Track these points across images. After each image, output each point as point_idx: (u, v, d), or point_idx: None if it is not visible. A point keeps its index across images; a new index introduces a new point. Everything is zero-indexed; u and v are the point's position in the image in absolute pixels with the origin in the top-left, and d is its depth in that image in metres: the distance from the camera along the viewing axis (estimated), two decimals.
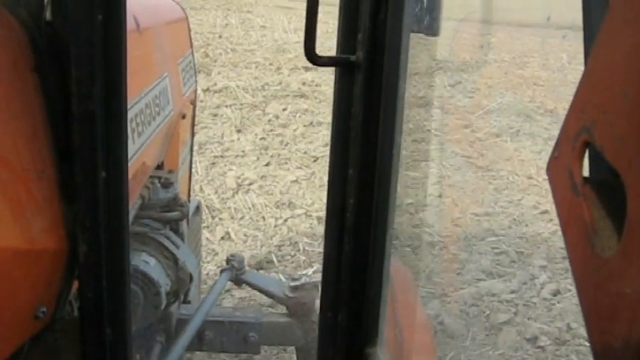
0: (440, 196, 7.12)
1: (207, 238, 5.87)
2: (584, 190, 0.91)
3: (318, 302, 2.82)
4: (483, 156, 8.41)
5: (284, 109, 9.97)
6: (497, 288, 5.29)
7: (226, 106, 9.96)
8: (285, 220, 6.41)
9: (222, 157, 7.90)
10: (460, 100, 11.02)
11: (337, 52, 1.60)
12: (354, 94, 1.59)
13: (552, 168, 1.00)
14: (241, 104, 10.15)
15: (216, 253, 5.66)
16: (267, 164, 7.76)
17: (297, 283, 2.97)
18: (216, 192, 6.84)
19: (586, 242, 0.87)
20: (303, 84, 11.56)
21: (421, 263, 5.67)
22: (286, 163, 7.86)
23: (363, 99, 1.58)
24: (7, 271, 1.53)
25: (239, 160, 7.82)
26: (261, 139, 8.62)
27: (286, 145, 8.49)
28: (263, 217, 6.44)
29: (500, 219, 6.63)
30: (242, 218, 6.40)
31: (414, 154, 7.85)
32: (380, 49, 1.55)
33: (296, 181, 7.25)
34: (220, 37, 15.25)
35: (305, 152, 8.23)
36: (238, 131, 8.89)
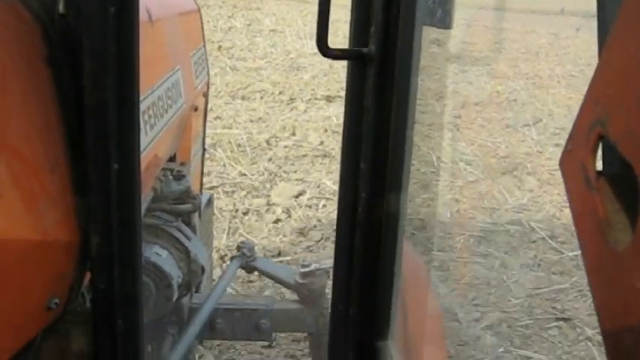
0: None
1: None
2: (597, 184, 0.90)
3: (328, 288, 2.84)
4: None
5: (299, 195, 6.25)
6: None
7: (210, 189, 6.00)
8: None
9: None
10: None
11: (350, 45, 1.60)
12: (366, 87, 1.59)
13: (565, 161, 1.00)
14: (234, 184, 6.43)
15: None
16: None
17: (307, 269, 2.98)
18: None
19: (599, 236, 0.87)
20: (326, 131, 8.06)
21: None
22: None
23: (376, 92, 1.58)
24: (20, 262, 1.54)
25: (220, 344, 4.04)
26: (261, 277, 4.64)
27: None
28: None
29: None
30: None
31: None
32: (392, 42, 1.54)
33: None
34: (220, 47, 12.42)
35: None
36: (223, 256, 5.04)
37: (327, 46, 1.56)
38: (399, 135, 1.59)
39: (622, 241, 0.83)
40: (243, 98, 9.45)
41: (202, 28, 3.46)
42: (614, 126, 0.84)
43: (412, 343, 2.11)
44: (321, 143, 7.72)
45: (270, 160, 7.17)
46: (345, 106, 1.64)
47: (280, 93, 9.81)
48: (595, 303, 0.90)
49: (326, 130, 8.17)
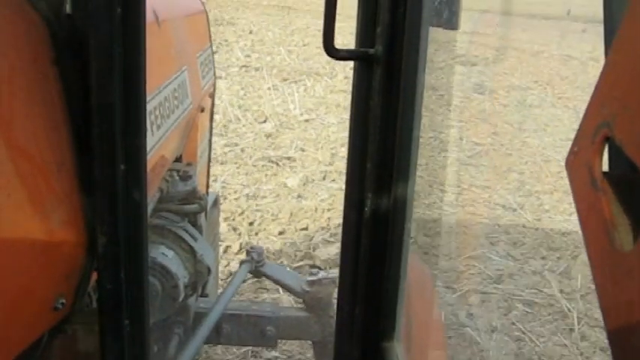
0: None
1: None
2: (603, 185, 0.90)
3: (334, 297, 2.84)
4: None
5: None
6: None
7: None
8: None
9: None
10: None
11: (356, 46, 1.60)
12: (372, 87, 1.59)
13: (571, 163, 0.99)
14: None
15: None
16: None
17: (314, 277, 2.98)
18: None
19: (605, 237, 0.87)
20: None
21: None
22: None
23: (382, 93, 1.57)
24: (26, 262, 1.54)
25: None
26: None
27: None
28: None
29: None
30: None
31: None
32: (399, 42, 1.54)
33: None
34: None
35: None
36: None
37: (334, 47, 1.56)
38: (405, 135, 1.59)
39: (627, 242, 0.83)
40: None
41: (209, 28, 3.47)
42: (620, 127, 0.84)
43: (416, 347, 2.11)
44: None
45: None
46: (352, 107, 1.64)
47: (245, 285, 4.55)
48: (600, 303, 0.90)
49: None
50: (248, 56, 10.90)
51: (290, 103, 8.82)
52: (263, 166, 6.76)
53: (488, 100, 9.22)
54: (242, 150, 7.14)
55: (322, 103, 8.92)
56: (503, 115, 8.82)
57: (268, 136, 7.65)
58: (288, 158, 7.05)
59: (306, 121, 8.21)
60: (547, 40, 13.56)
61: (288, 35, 12.34)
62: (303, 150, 7.35)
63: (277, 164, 6.82)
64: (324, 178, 6.63)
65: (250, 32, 12.40)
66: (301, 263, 4.95)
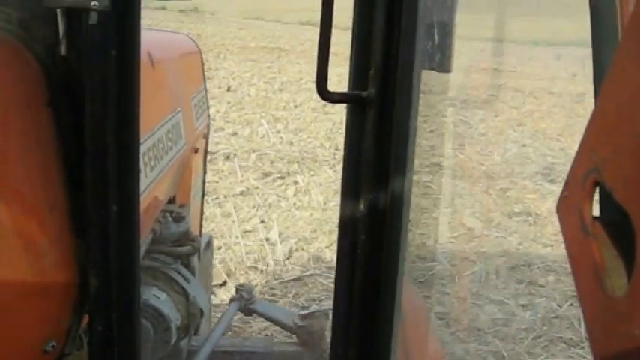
0: None
1: None
2: (593, 230, 0.90)
3: (327, 330, 2.82)
4: None
5: None
6: None
7: None
8: None
9: None
10: None
11: (349, 88, 1.61)
12: (365, 130, 1.60)
13: (562, 207, 1.00)
14: None
15: None
16: None
17: (306, 311, 2.97)
18: None
19: (596, 282, 0.87)
20: None
21: None
22: None
23: (375, 135, 1.58)
24: (17, 304, 1.53)
25: None
26: None
27: None
28: None
29: None
30: None
31: None
32: (391, 85, 1.55)
33: None
34: None
35: None
36: None
37: (328, 90, 1.57)
38: (398, 178, 1.59)
39: (619, 287, 0.83)
40: None
41: (203, 68, 3.49)
42: (609, 172, 0.85)
43: None
44: None
45: None
46: (345, 148, 1.65)
47: None
48: (593, 348, 0.90)
49: None
50: (220, 130, 8.02)
51: (272, 229, 5.42)
52: None
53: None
54: None
55: (324, 221, 5.88)
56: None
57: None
58: None
59: (299, 279, 4.89)
60: (569, 74, 11.50)
61: (275, 92, 9.89)
62: None
63: None
64: None
65: (228, 89, 9.74)
66: None
